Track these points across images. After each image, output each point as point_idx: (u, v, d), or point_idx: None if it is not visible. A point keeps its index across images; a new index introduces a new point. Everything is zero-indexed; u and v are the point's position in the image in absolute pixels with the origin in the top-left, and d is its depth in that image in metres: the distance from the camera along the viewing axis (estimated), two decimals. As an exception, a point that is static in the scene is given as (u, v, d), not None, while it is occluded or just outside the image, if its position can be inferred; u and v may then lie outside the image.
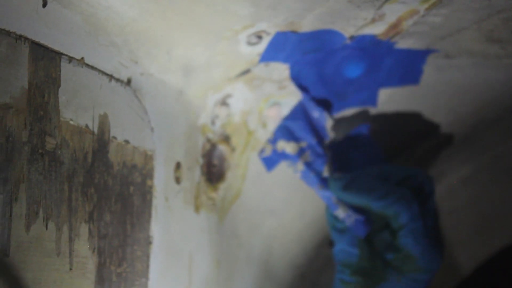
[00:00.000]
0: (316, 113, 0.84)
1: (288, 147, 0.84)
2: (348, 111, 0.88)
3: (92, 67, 0.69)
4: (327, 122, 0.85)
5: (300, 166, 0.84)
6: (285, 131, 0.84)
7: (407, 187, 0.80)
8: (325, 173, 0.83)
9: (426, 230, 0.79)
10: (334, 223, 0.83)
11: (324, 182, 0.83)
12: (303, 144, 0.84)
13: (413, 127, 0.95)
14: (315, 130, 0.84)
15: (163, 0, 0.66)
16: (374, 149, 0.87)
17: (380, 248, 0.82)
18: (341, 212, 0.82)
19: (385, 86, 0.85)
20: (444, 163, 1.05)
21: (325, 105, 0.85)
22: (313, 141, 0.84)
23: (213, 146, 0.84)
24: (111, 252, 0.70)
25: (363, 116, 0.90)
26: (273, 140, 0.85)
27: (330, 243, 1.00)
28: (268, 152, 0.85)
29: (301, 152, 0.84)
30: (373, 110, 0.89)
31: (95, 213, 0.68)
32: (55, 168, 0.64)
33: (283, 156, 0.85)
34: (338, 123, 0.88)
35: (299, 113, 0.84)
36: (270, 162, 0.86)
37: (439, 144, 1.00)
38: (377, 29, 0.76)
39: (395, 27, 0.76)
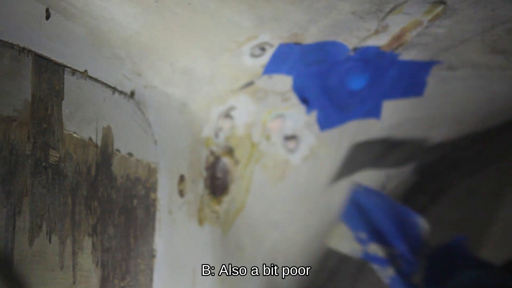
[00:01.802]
0: (411, 220, 0.83)
1: (380, 251, 0.83)
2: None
3: (96, 80, 0.69)
4: (423, 230, 0.84)
5: (390, 271, 0.82)
6: (376, 233, 0.83)
7: None
8: (414, 280, 0.82)
9: None
10: None
11: None
12: (396, 250, 0.83)
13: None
14: (408, 237, 0.83)
15: (166, 12, 0.66)
16: (470, 262, 0.86)
17: None
18: None
19: (388, 97, 0.85)
20: (449, 175, 1.05)
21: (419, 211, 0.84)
22: (405, 248, 0.82)
23: (217, 158, 0.83)
24: (114, 266, 0.70)
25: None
26: (364, 241, 0.84)
27: None
28: (359, 253, 0.84)
29: (393, 258, 0.82)
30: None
31: (99, 226, 0.68)
32: (58, 181, 0.64)
33: (374, 259, 0.83)
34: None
35: (390, 216, 0.83)
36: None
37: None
38: (380, 41, 0.76)
39: (398, 39, 0.76)
